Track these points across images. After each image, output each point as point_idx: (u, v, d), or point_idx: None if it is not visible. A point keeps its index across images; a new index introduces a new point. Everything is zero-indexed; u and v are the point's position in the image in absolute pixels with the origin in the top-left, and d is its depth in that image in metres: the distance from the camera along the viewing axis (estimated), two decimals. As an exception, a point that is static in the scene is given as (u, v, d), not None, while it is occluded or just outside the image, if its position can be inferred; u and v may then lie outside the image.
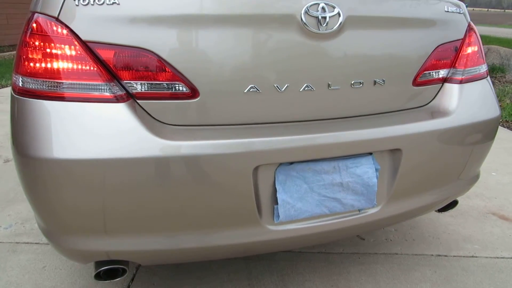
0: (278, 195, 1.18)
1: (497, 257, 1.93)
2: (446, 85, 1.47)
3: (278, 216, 1.20)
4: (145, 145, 1.05)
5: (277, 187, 1.18)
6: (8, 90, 5.99)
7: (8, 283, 1.69)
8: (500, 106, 3.72)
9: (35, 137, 1.04)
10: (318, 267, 1.82)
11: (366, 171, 1.25)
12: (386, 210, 1.35)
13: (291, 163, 1.19)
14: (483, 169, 3.01)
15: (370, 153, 1.28)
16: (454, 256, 1.93)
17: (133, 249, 1.14)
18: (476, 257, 1.93)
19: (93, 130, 1.04)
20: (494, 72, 6.85)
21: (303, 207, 1.21)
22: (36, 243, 1.99)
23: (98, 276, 1.23)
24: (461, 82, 1.46)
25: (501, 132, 4.03)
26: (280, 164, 1.18)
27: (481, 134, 1.46)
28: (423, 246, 2.00)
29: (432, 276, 1.77)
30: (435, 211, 1.67)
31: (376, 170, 1.27)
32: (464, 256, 1.93)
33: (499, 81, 6.50)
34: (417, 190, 1.38)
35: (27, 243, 1.99)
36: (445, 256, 1.93)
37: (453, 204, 1.65)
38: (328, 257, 1.90)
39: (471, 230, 2.16)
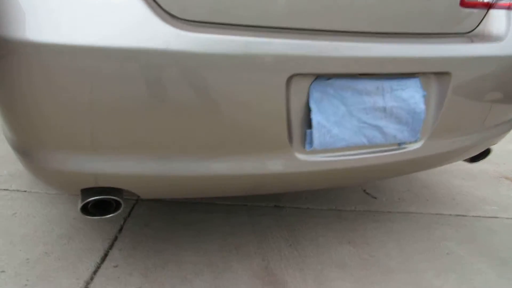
0: (312, 116, 0.96)
1: (519, 219, 1.79)
2: (493, 11, 1.27)
3: (311, 142, 0.98)
4: (155, 34, 0.80)
5: (312, 106, 0.96)
6: None
7: (-30, 230, 1.43)
8: None
9: (8, 11, 0.78)
10: (330, 223, 1.63)
11: (412, 95, 1.05)
12: (427, 147, 1.15)
13: (329, 78, 0.97)
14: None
15: (416, 77, 1.07)
16: (473, 216, 1.78)
17: (128, 172, 0.91)
18: (497, 217, 1.78)
19: (85, 8, 0.79)
20: None
21: (340, 134, 1.00)
22: (4, 189, 1.72)
23: (86, 211, 0.99)
24: (509, 8, 1.27)
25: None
26: (316, 78, 0.96)
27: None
28: (439, 206, 1.84)
29: (455, 235, 1.61)
30: (467, 160, 1.50)
31: (423, 96, 1.07)
32: (484, 217, 1.78)
33: None
34: (461, 126, 1.19)
35: (-5, 190, 1.72)
36: (464, 216, 1.77)
37: (486, 153, 1.48)
38: (340, 214, 1.71)
39: (485, 193, 2.02)
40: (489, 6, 1.27)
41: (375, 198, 1.88)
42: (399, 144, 1.12)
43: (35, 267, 1.28)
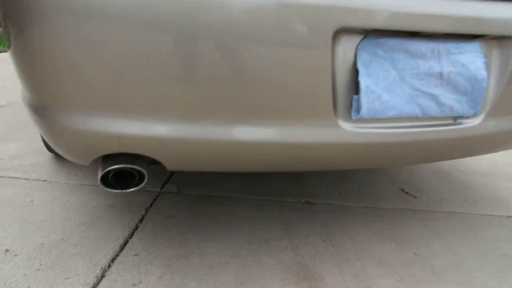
0: (360, 79, 0.85)
1: None
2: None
3: (358, 109, 0.87)
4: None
5: (359, 68, 0.85)
6: (3, 56, 5.69)
7: (-14, 214, 1.36)
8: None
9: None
10: (367, 220, 1.49)
11: (473, 60, 0.93)
12: (486, 124, 1.02)
13: (378, 37, 0.86)
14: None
15: (475, 41, 0.95)
16: (527, 219, 1.60)
17: (152, 134, 0.81)
18: (554, 221, 1.60)
19: None
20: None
21: (391, 101, 0.88)
22: (25, 179, 1.65)
23: (106, 183, 0.89)
24: None
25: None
26: (365, 37, 0.86)
27: None
28: (487, 207, 1.68)
29: (510, 237, 1.44)
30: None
31: (484, 63, 0.95)
32: (539, 220, 1.60)
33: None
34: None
35: (14, 177, 1.65)
36: (517, 218, 1.60)
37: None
38: (377, 212, 1.57)
39: (537, 196, 1.84)
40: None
41: (415, 197, 1.73)
42: (455, 118, 0.99)
43: (50, 252, 1.19)
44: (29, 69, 0.79)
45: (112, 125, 0.79)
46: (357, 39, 0.86)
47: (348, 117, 0.89)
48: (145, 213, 1.45)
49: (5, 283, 1.05)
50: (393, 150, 0.95)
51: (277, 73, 0.80)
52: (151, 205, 1.51)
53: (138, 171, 0.88)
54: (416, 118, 0.94)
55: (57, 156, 1.91)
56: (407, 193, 1.77)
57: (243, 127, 0.83)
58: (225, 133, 0.83)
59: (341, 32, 0.82)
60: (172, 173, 1.81)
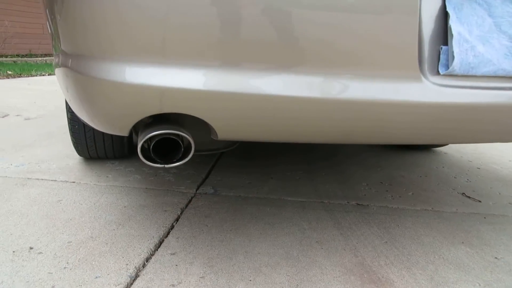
0: (451, 24, 0.71)
1: None
2: None
3: (448, 62, 0.72)
4: None
5: (450, 12, 0.71)
6: (36, 79, 5.82)
7: (9, 212, 1.25)
8: None
9: None
10: (431, 223, 1.31)
11: None
12: None
13: (470, -22, 0.72)
14: None
15: None
16: None
17: (200, 88, 0.68)
18: None
19: None
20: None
21: (486, 54, 0.73)
22: (52, 180, 1.55)
23: (147, 156, 0.76)
24: None
25: None
26: (454, -24, 0.72)
27: None
28: None
29: None
30: None
31: None
32: None
33: None
34: None
35: (41, 179, 1.55)
36: None
37: None
38: (441, 215, 1.38)
39: None
40: None
41: (479, 201, 1.54)
42: (558, 82, 0.82)
43: (78, 250, 1.05)
44: (66, 18, 0.68)
45: (154, 76, 0.66)
46: (444, -21, 0.72)
47: (436, 72, 0.74)
48: (181, 213, 1.31)
49: (27, 281, 0.92)
50: (488, 117, 0.79)
51: (352, 16, 0.66)
52: (186, 205, 1.37)
53: (183, 140, 0.75)
54: (513, 78, 0.78)
55: (86, 159, 1.80)
56: (469, 197, 1.57)
57: (310, 78, 0.69)
58: (289, 87, 0.69)
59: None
60: (207, 175, 1.67)
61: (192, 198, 1.44)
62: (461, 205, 1.48)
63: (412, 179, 1.76)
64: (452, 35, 0.71)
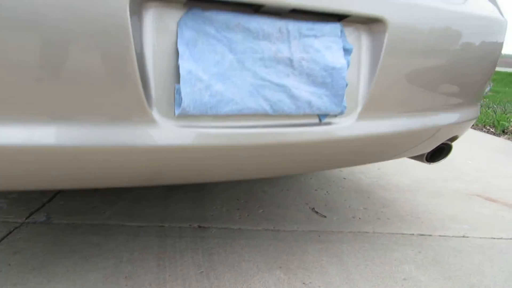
0: (180, 63, 0.66)
1: (494, 238, 1.48)
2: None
3: (180, 102, 0.68)
4: None
5: (180, 48, 0.67)
6: None
7: None
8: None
9: None
10: (262, 245, 1.29)
11: (329, 46, 0.77)
12: (361, 125, 0.86)
13: (206, 10, 0.69)
14: (456, 157, 2.65)
15: (336, 22, 0.80)
16: (440, 236, 1.47)
17: None
18: (467, 237, 1.47)
19: None
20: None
21: (227, 92, 0.70)
22: None
23: None
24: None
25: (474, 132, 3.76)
26: (188, 9, 0.67)
27: (489, 36, 1.02)
28: (401, 225, 1.53)
29: (416, 257, 1.28)
30: (424, 159, 1.21)
31: (346, 50, 0.79)
32: (452, 236, 1.47)
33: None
34: (405, 99, 0.91)
35: None
36: (430, 235, 1.46)
37: (446, 150, 1.19)
38: (277, 235, 1.38)
39: (456, 210, 1.73)
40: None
41: (325, 216, 1.56)
42: (321, 117, 0.82)
43: None
44: None
45: None
46: (178, 12, 0.67)
47: (171, 113, 0.69)
48: (-15, 251, 1.17)
49: None
50: (237, 156, 0.76)
51: (72, 59, 0.59)
52: (1, 239, 1.24)
53: None
54: (266, 115, 0.76)
55: None
56: (317, 212, 1.59)
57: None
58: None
59: (149, 1, 0.63)
60: (51, 199, 1.54)
61: (15, 229, 1.31)
62: (305, 222, 1.49)
63: (273, 194, 1.76)
64: (181, 74, 0.66)
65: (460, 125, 1.09)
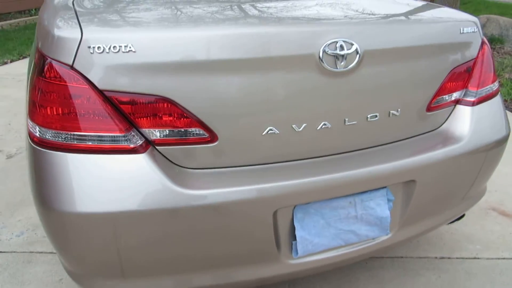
0: (296, 233, 1.21)
1: (498, 258, 1.99)
2: (459, 107, 1.47)
3: (297, 251, 1.23)
4: (168, 196, 1.06)
5: (296, 224, 1.21)
6: (14, 65, 5.55)
7: (28, 298, 1.74)
8: (499, 82, 3.73)
9: (58, 191, 1.05)
10: (327, 274, 1.88)
11: (379, 203, 1.28)
12: (398, 235, 1.39)
13: (307, 203, 1.22)
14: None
15: (384, 187, 1.30)
16: (457, 258, 1.99)
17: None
18: (478, 258, 1.99)
19: (114, 182, 1.05)
20: (493, 43, 6.78)
21: (320, 242, 1.24)
22: (50, 253, 2.03)
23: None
24: (473, 104, 1.46)
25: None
26: (297, 205, 1.21)
27: (491, 153, 1.48)
28: (427, 247, 2.06)
29: (436, 282, 1.84)
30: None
31: (389, 201, 1.30)
32: (467, 258, 1.99)
33: (498, 53, 6.44)
34: (428, 214, 1.42)
35: (41, 252, 2.02)
36: (448, 258, 1.99)
37: (461, 216, 1.70)
38: (336, 262, 1.96)
39: (473, 229, 2.22)
40: (456, 102, 1.46)
41: (370, 242, 2.11)
42: (373, 238, 1.35)
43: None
44: (58, 250, 1.15)
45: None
46: (292, 206, 1.21)
47: (291, 255, 1.25)
48: None
49: None
50: (326, 266, 1.33)
51: (238, 242, 1.16)
52: None
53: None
54: (341, 246, 1.31)
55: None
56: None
57: (224, 275, 1.21)
58: (211, 280, 1.20)
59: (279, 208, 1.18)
60: None
61: None
62: (355, 248, 2.06)
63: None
64: (297, 238, 1.22)
65: (474, 203, 1.60)
